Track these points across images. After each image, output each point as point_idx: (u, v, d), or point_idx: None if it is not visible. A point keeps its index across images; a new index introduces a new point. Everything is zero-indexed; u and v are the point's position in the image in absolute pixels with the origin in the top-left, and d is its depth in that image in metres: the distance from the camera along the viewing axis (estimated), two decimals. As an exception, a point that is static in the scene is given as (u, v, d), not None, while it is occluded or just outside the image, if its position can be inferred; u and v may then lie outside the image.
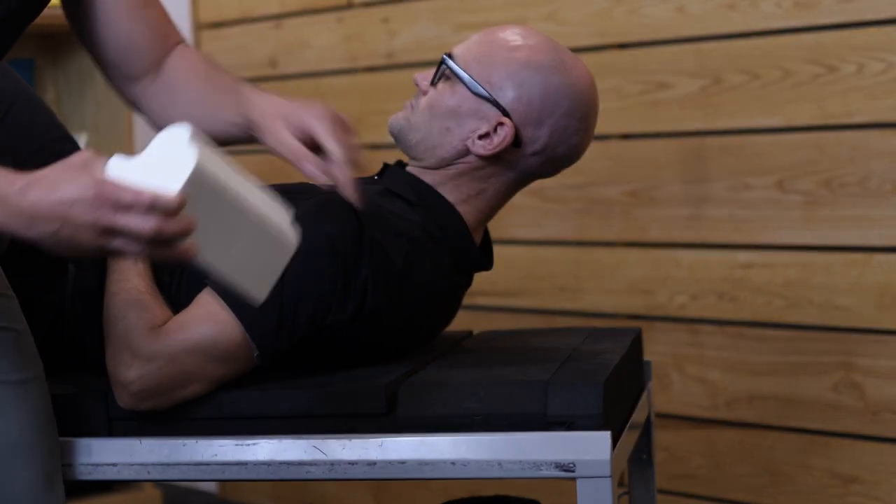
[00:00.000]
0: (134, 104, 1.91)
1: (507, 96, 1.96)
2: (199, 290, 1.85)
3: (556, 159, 2.01)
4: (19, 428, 1.65)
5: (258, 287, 1.56)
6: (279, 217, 1.55)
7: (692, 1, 2.74)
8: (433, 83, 2.00)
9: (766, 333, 2.71)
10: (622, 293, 2.90)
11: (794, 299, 2.66)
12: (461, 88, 1.97)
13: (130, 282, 1.86)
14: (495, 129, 1.96)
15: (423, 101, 2.00)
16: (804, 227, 2.63)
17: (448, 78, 1.99)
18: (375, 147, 3.18)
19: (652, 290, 2.85)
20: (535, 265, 3.03)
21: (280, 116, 1.81)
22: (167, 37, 1.89)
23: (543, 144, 1.98)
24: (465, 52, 2.00)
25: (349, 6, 3.34)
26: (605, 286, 2.92)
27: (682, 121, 2.78)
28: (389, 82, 3.21)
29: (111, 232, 1.40)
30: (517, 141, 1.96)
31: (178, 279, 1.91)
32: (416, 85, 2.02)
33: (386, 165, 2.07)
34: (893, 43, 2.49)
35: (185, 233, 1.41)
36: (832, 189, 2.59)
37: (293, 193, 1.96)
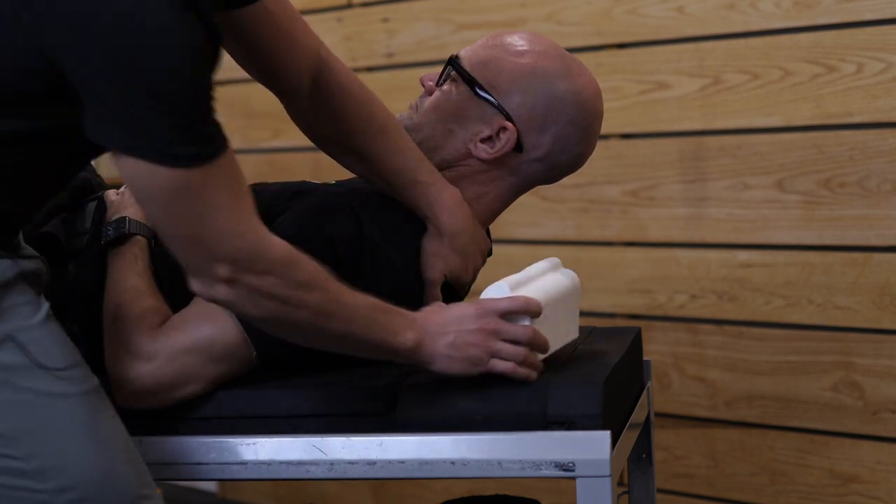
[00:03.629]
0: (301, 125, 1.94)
1: (511, 101, 1.95)
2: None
3: (558, 166, 2.01)
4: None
5: (572, 334, 1.90)
6: (567, 274, 1.90)
7: (692, 1, 2.74)
8: (439, 84, 2.00)
9: (765, 333, 2.71)
10: (622, 293, 2.90)
11: (793, 299, 2.66)
12: (466, 91, 1.97)
13: (130, 281, 1.86)
14: (498, 134, 1.96)
15: (428, 101, 2.00)
16: (804, 227, 2.63)
17: (454, 80, 1.98)
18: (375, 147, 3.18)
19: (651, 289, 2.86)
20: (535, 265, 3.03)
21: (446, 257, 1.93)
22: (310, 49, 1.89)
23: (546, 151, 1.98)
24: (471, 55, 1.99)
25: (349, 6, 3.34)
26: (605, 286, 2.92)
27: (681, 120, 2.78)
28: (389, 82, 3.21)
29: (495, 333, 1.73)
30: (519, 146, 1.96)
31: (176, 279, 1.91)
32: (422, 85, 2.02)
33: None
34: (892, 43, 2.49)
35: (544, 341, 1.77)
36: (831, 189, 2.59)
37: (293, 192, 1.97)
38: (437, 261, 1.92)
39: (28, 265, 1.67)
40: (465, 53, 2.00)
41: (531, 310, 1.76)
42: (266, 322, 1.68)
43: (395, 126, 1.93)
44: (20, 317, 1.62)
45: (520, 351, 1.75)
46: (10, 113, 1.56)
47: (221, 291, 1.61)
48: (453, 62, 1.98)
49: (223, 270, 1.59)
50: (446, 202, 1.91)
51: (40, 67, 1.51)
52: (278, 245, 1.62)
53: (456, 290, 1.97)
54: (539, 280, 1.83)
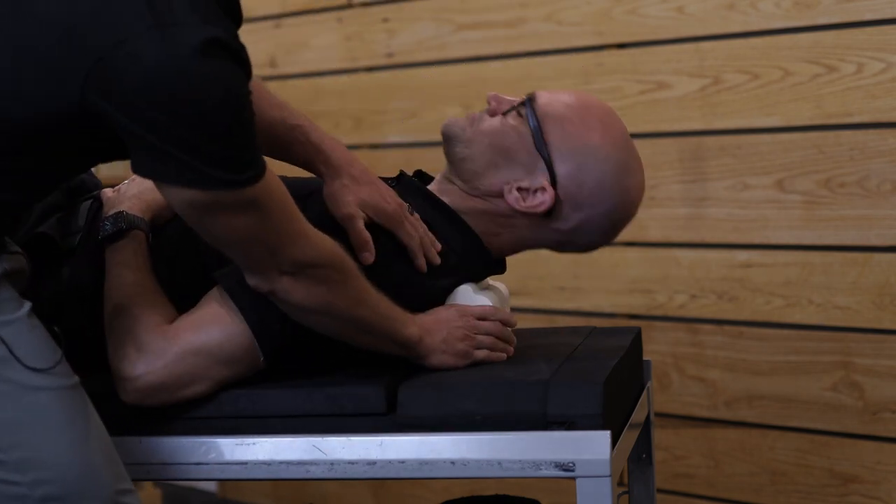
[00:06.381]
0: None
1: (563, 168, 1.93)
2: (195, 281, 1.86)
3: (573, 244, 2.00)
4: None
5: None
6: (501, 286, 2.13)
7: (692, 1, 2.74)
8: (505, 112, 1.96)
9: (765, 333, 2.71)
10: (622, 293, 2.90)
11: (793, 299, 2.66)
12: (527, 135, 1.93)
13: (132, 276, 1.86)
14: (535, 191, 1.93)
15: (488, 124, 1.96)
16: (804, 227, 2.63)
17: (521, 116, 1.95)
18: (375, 147, 3.18)
19: (651, 289, 2.86)
20: (535, 265, 3.03)
21: (354, 194, 1.91)
22: None
23: (570, 228, 1.96)
24: (548, 104, 1.95)
25: (349, 6, 3.34)
26: (605, 286, 2.92)
27: (681, 120, 2.78)
28: (389, 82, 3.21)
29: (475, 329, 1.92)
30: (549, 212, 1.94)
31: (175, 272, 1.91)
32: (488, 101, 1.98)
33: (402, 173, 2.04)
34: (892, 43, 2.49)
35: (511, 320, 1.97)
36: (831, 189, 2.59)
37: (306, 195, 1.94)
38: (341, 196, 1.89)
39: (10, 263, 1.69)
40: (543, 99, 1.96)
41: (498, 316, 1.95)
42: (313, 311, 1.78)
43: (271, 91, 1.92)
44: (2, 313, 1.65)
45: (494, 340, 1.92)
46: (32, 148, 1.63)
47: (285, 283, 1.73)
48: (529, 103, 1.95)
49: (287, 266, 1.72)
50: (328, 140, 1.91)
51: (75, 114, 1.58)
52: (327, 238, 1.76)
53: (386, 228, 1.92)
54: (492, 288, 2.05)
